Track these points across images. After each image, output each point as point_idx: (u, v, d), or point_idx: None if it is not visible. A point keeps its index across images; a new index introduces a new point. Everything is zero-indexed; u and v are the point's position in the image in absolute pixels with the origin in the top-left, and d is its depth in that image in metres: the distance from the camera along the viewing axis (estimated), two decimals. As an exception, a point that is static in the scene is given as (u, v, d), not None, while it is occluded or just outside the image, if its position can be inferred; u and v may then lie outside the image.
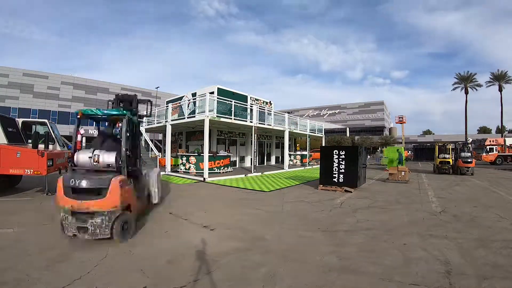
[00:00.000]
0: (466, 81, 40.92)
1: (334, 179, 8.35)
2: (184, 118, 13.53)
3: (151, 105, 5.47)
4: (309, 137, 21.05)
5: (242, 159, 17.73)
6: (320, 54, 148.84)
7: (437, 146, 16.22)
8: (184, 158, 12.88)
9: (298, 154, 20.53)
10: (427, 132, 76.87)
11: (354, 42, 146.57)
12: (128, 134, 4.22)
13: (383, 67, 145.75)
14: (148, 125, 17.04)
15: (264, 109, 15.79)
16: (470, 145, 15.65)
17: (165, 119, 14.59)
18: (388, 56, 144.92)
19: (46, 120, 8.38)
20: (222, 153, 13.58)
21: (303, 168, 18.08)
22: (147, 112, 5.33)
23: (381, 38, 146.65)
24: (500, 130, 47.75)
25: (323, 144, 22.40)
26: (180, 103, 15.46)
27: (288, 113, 20.40)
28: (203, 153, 11.60)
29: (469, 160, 14.04)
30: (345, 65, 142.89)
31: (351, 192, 7.99)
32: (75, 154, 3.97)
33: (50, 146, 7.12)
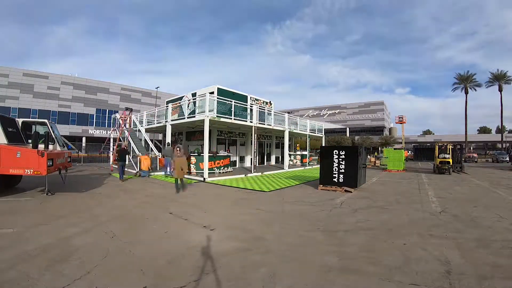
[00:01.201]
0: (466, 81, 40.95)
1: (334, 179, 8.34)
2: (184, 118, 13.53)
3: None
4: (309, 137, 21.05)
5: (242, 159, 17.73)
6: (341, 76, 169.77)
7: (437, 146, 16.22)
8: (184, 158, 12.87)
9: (298, 154, 20.52)
10: (427, 132, 76.96)
11: (369, 69, 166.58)
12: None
13: (389, 85, 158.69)
14: (148, 125, 17.04)
15: (264, 109, 15.79)
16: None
17: (165, 119, 14.60)
18: (393, 77, 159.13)
19: (46, 120, 8.35)
20: (222, 153, 13.57)
21: (303, 168, 18.07)
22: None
23: (393, 67, 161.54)
24: (500, 130, 47.78)
25: (323, 144, 22.40)
26: (180, 103, 15.46)
27: (288, 113, 20.40)
28: (203, 153, 11.60)
29: None
30: (358, 84, 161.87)
31: (351, 192, 7.99)
32: None
33: (50, 146, 7.11)
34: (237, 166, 16.71)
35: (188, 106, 13.96)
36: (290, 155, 19.68)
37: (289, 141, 18.32)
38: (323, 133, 23.35)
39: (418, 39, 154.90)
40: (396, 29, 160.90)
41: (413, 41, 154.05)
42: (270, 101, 18.81)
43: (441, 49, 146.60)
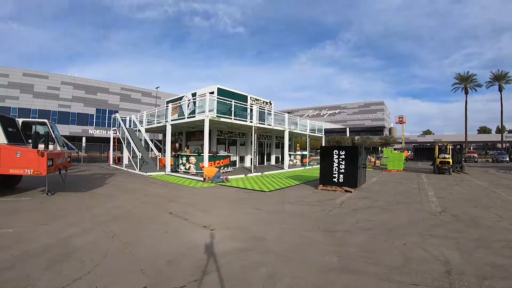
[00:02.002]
0: (466, 81, 40.97)
1: (334, 179, 8.35)
2: (184, 118, 13.53)
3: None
4: (309, 137, 21.04)
5: (242, 159, 17.73)
6: (351, 85, 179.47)
7: (437, 146, 16.23)
8: (184, 158, 12.89)
9: (298, 154, 20.53)
10: (427, 132, 76.99)
11: (379, 81, 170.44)
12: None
13: (392, 93, 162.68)
14: (148, 125, 17.04)
15: (264, 109, 15.79)
16: None
17: (165, 119, 14.59)
18: (398, 87, 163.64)
19: (46, 120, 8.34)
20: (222, 153, 13.57)
21: (303, 168, 18.08)
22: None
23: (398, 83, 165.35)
24: (500, 130, 47.79)
25: (323, 144, 22.40)
26: (180, 103, 15.46)
27: (288, 113, 20.40)
28: (203, 153, 11.61)
29: None
30: (364, 93, 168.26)
31: (351, 192, 7.99)
32: None
33: (50, 146, 7.11)
34: (237, 166, 16.71)
35: (188, 106, 13.96)
36: (290, 155, 19.69)
37: (289, 141, 18.32)
38: (323, 133, 23.35)
39: (433, 58, 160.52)
40: (413, 48, 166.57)
41: (426, 59, 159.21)
42: (270, 101, 18.81)
43: (451, 65, 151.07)
